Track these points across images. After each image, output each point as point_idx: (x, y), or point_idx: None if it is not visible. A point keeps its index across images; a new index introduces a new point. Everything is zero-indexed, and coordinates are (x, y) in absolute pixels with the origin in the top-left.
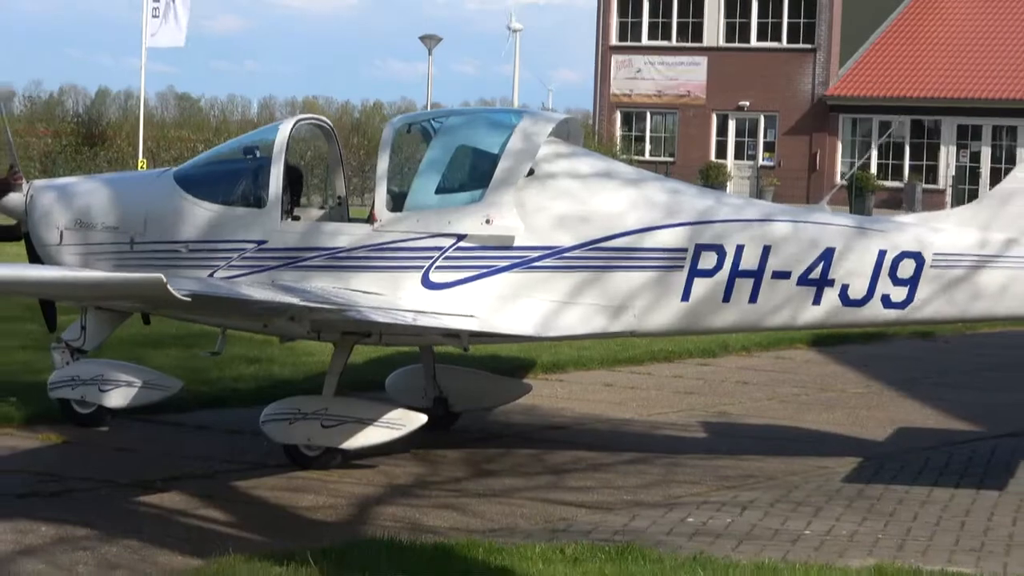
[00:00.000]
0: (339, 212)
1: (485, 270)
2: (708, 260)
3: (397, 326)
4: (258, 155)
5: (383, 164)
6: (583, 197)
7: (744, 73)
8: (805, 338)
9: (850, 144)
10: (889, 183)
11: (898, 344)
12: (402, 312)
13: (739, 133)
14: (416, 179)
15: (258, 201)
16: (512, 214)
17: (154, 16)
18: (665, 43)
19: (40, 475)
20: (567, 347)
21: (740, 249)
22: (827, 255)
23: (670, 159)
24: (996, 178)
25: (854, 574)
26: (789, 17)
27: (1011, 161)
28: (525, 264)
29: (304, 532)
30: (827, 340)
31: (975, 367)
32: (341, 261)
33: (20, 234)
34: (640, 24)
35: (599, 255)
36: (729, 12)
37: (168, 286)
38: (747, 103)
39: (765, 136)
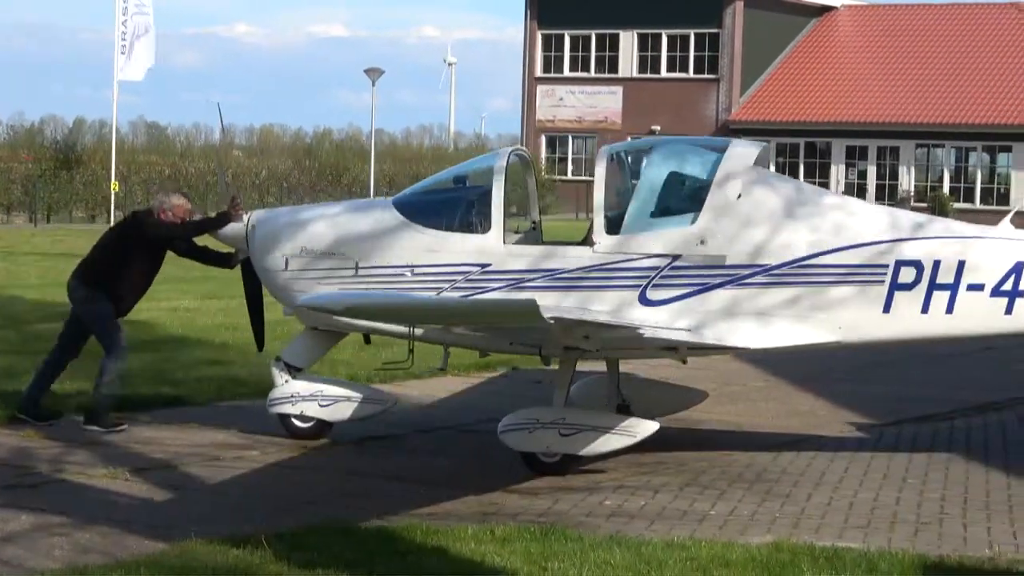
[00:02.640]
0: (534, 236)
1: (699, 287)
2: (907, 274)
3: (651, 340)
4: (476, 183)
5: (599, 190)
6: (788, 218)
7: (656, 101)
8: None
9: None
10: None
11: None
12: (677, 331)
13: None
14: (632, 204)
15: (481, 226)
16: (724, 235)
17: (122, 52)
18: (584, 74)
19: (22, 469)
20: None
21: (937, 264)
22: (1018, 268)
23: (590, 179)
24: (881, 194)
25: (754, 550)
26: (695, 51)
27: (894, 178)
28: (736, 281)
29: (261, 518)
30: None
31: (871, 363)
32: (563, 282)
33: (234, 262)
34: (562, 57)
35: (804, 271)
36: (642, 46)
37: (540, 309)
38: (658, 128)
39: None
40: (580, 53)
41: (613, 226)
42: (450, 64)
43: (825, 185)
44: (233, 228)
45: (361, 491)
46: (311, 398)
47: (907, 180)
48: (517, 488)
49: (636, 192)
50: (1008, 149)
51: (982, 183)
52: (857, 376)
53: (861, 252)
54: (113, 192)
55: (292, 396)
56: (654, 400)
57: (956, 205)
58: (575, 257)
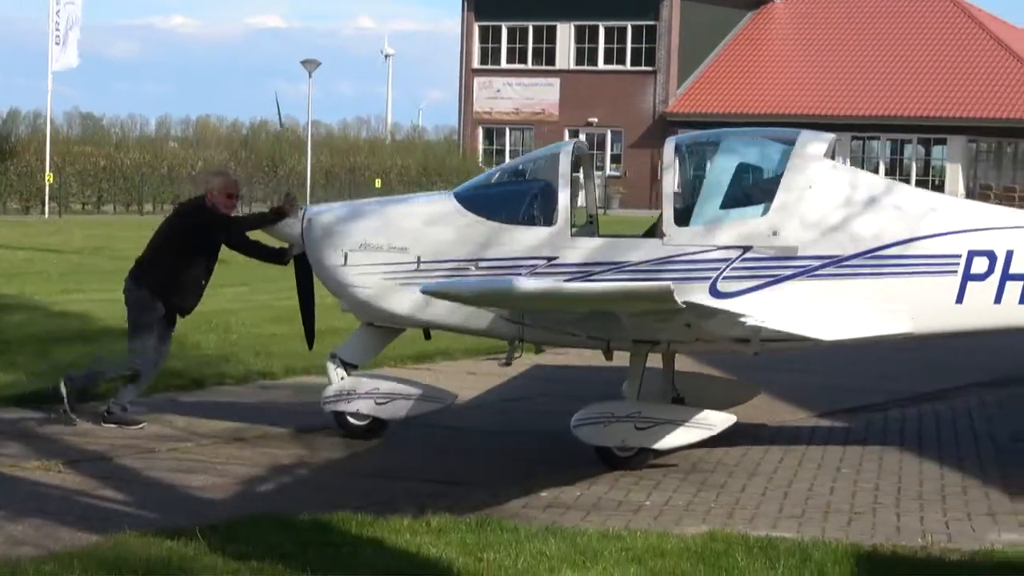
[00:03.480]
0: (590, 230)
1: (771, 279)
2: (980, 265)
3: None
4: (541, 176)
5: (669, 181)
6: (859, 209)
7: (593, 93)
8: None
9: None
10: None
11: None
12: (783, 322)
13: (589, 147)
14: (701, 195)
15: (548, 219)
16: (796, 226)
17: (56, 43)
18: (522, 66)
19: None
20: (434, 338)
21: (1010, 255)
22: None
23: None
24: None
25: (689, 540)
26: (632, 43)
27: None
28: (808, 272)
29: (194, 510)
30: None
31: (811, 354)
32: (631, 274)
33: (287, 258)
34: (499, 49)
35: (876, 262)
36: (579, 38)
37: (674, 294)
38: (595, 119)
39: (612, 149)
40: (517, 45)
41: (682, 218)
42: (387, 56)
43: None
44: (288, 224)
45: (296, 482)
46: (367, 396)
47: None
48: (453, 479)
49: (705, 183)
50: (943, 142)
51: (917, 175)
52: (794, 367)
53: (933, 242)
54: (47, 183)
55: (347, 393)
56: (708, 395)
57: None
58: (645, 249)
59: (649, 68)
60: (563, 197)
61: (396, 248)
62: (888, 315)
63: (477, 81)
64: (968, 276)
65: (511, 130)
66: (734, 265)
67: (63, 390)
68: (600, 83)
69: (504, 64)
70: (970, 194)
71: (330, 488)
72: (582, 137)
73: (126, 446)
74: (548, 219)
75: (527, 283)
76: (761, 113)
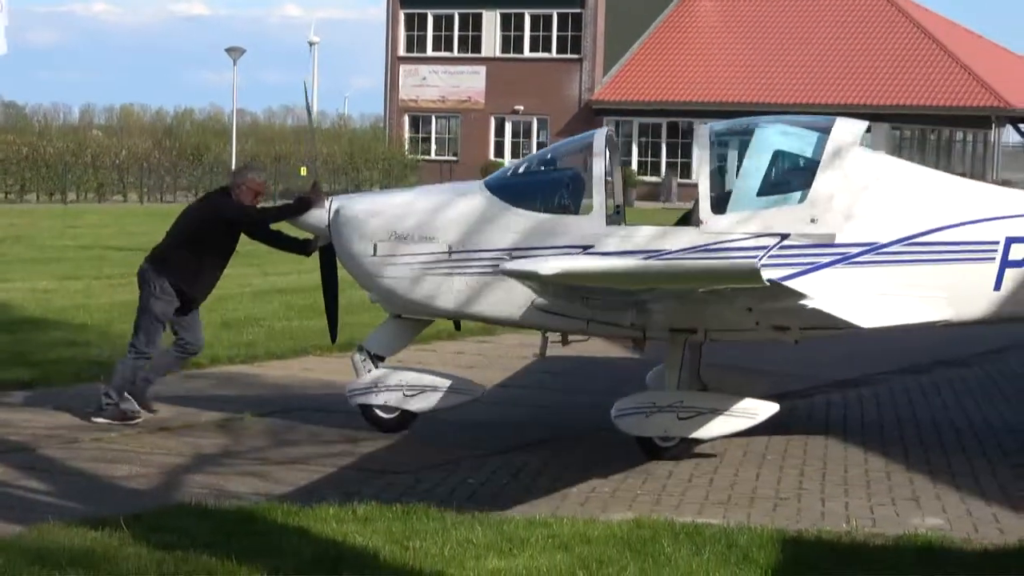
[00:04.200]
0: (617, 219)
1: (809, 267)
2: (1018, 251)
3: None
4: (574, 165)
5: (705, 170)
6: (895, 196)
7: (519, 80)
8: None
9: None
10: (648, 178)
11: None
12: (841, 307)
13: (515, 134)
14: (738, 183)
15: (583, 208)
16: (834, 213)
17: None
18: (448, 54)
19: None
20: (360, 327)
21: None
22: None
23: (454, 158)
24: None
25: (615, 527)
26: (558, 30)
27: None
28: (846, 260)
29: (118, 499)
30: None
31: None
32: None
33: (311, 249)
34: (425, 37)
35: (914, 249)
36: (505, 26)
37: (761, 272)
38: (521, 107)
39: (538, 137)
40: (443, 33)
41: (719, 206)
42: (313, 44)
43: (687, 166)
44: (314, 214)
45: (221, 472)
46: (395, 388)
47: None
48: (379, 467)
49: (742, 171)
50: (867, 129)
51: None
52: (720, 354)
53: (971, 229)
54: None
55: (375, 386)
56: (733, 385)
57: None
58: (682, 237)
59: (575, 56)
60: (599, 186)
61: (427, 238)
62: (926, 302)
63: (403, 69)
64: (1006, 263)
65: (437, 118)
66: (772, 253)
67: (109, 401)
68: (526, 71)
69: (430, 52)
70: None
71: (255, 477)
72: (508, 125)
73: (49, 436)
74: (584, 208)
75: (621, 262)
76: (686, 101)
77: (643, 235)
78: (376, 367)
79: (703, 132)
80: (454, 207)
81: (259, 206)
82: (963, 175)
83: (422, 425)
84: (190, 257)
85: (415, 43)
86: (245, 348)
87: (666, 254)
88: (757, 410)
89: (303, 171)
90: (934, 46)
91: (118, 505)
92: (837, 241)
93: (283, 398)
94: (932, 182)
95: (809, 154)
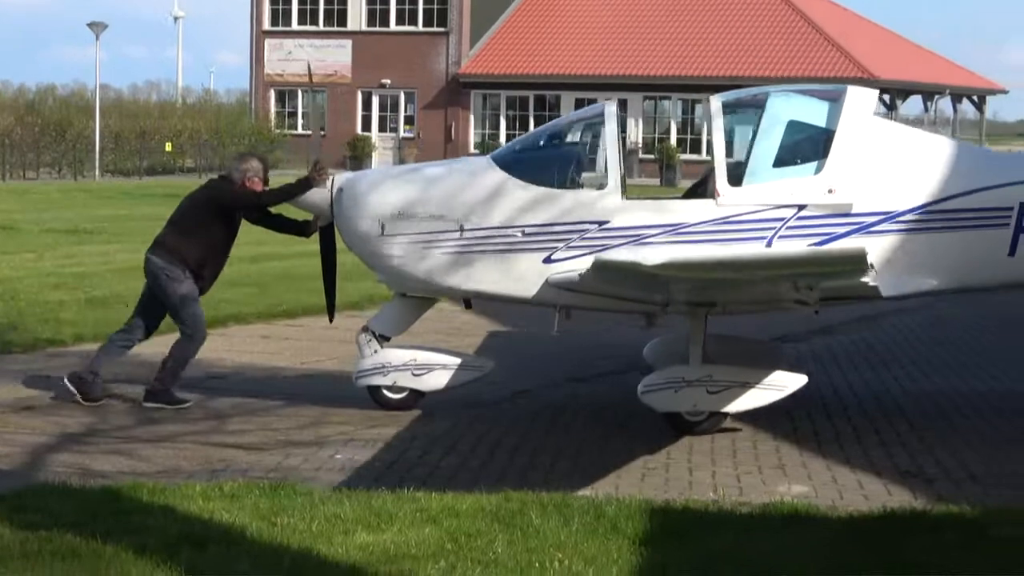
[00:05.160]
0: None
1: (826, 237)
2: None
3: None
4: (587, 137)
5: (719, 141)
6: (910, 164)
7: (385, 54)
8: None
9: (481, 117)
10: None
11: None
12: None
13: (382, 108)
14: (753, 154)
15: (598, 182)
16: (850, 183)
17: None
18: (313, 28)
19: None
20: (226, 304)
21: None
22: None
23: (321, 133)
24: None
25: (484, 500)
26: (424, 4)
27: (623, 130)
28: (863, 229)
29: None
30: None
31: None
32: (685, 236)
33: (311, 230)
34: (290, 10)
35: (929, 217)
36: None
37: (868, 257)
38: (388, 81)
39: (406, 111)
40: (308, 6)
41: (735, 178)
42: (177, 18)
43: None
44: (317, 194)
45: (86, 451)
46: (404, 367)
47: (635, 132)
48: (246, 444)
49: (756, 142)
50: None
51: (708, 134)
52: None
53: (984, 196)
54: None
55: (383, 366)
56: (736, 356)
57: (683, 156)
58: (698, 210)
59: (442, 29)
60: (613, 159)
61: (436, 216)
62: (942, 269)
63: (268, 43)
64: (1020, 229)
65: (303, 92)
66: (789, 224)
67: (160, 387)
68: (393, 44)
69: (295, 26)
70: None
71: (121, 455)
72: (375, 99)
73: None
74: (599, 182)
75: (726, 252)
76: (554, 74)
77: (659, 209)
78: (381, 347)
79: (716, 104)
80: (465, 184)
81: (260, 190)
82: None
83: (288, 403)
84: (191, 244)
85: (280, 17)
86: (111, 326)
87: (684, 228)
88: (786, 382)
89: (169, 147)
90: (799, 19)
91: None
92: (853, 211)
93: (150, 376)
94: (945, 149)
95: (824, 124)
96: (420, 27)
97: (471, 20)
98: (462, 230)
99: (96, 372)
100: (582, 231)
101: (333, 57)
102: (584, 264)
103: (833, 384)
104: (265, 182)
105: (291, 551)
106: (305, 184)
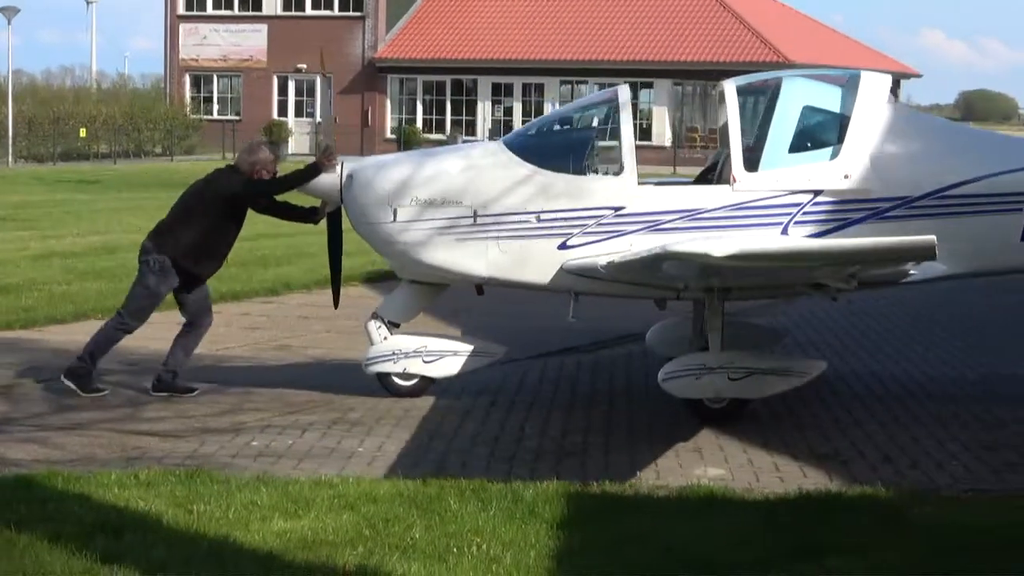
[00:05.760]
0: None
1: (841, 222)
2: None
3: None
4: (601, 122)
5: (735, 126)
6: (924, 150)
7: (301, 38)
8: (359, 276)
9: (398, 102)
10: (433, 136)
11: None
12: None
13: (298, 93)
14: (769, 139)
15: (615, 167)
16: (866, 169)
17: None
18: (228, 12)
19: None
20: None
21: None
22: None
23: (236, 118)
24: None
25: (402, 485)
26: None
27: (539, 114)
28: (877, 215)
29: None
30: (377, 277)
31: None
32: (702, 222)
33: (319, 217)
34: None
35: (942, 202)
36: None
37: (935, 248)
38: (304, 66)
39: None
40: None
41: (751, 163)
42: (90, 3)
43: (472, 123)
44: (324, 179)
45: None
46: (414, 354)
47: None
48: (162, 431)
49: (772, 128)
50: (649, 85)
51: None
52: (505, 311)
53: (997, 182)
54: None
55: (393, 353)
56: (738, 340)
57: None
58: (714, 196)
59: (357, 14)
60: (628, 144)
61: (451, 202)
62: (955, 255)
63: (183, 28)
64: None
65: (219, 77)
66: (805, 210)
67: (81, 365)
68: (309, 28)
69: (210, 10)
70: (676, 137)
71: (35, 444)
72: (291, 84)
73: None
74: (614, 167)
75: (796, 243)
76: (471, 59)
77: (676, 195)
78: (391, 334)
79: (731, 89)
80: (477, 169)
81: (267, 178)
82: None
83: (205, 390)
84: (192, 233)
85: (195, 1)
86: (24, 313)
87: (701, 213)
88: (807, 368)
89: (83, 132)
90: (715, 3)
91: None
92: (869, 197)
93: (64, 364)
94: (958, 135)
95: (839, 109)
96: (336, 11)
97: (387, 5)
98: (476, 216)
99: (174, 371)
100: (598, 217)
101: (248, 42)
102: (600, 250)
103: None
104: (273, 174)
105: (208, 538)
106: (314, 170)
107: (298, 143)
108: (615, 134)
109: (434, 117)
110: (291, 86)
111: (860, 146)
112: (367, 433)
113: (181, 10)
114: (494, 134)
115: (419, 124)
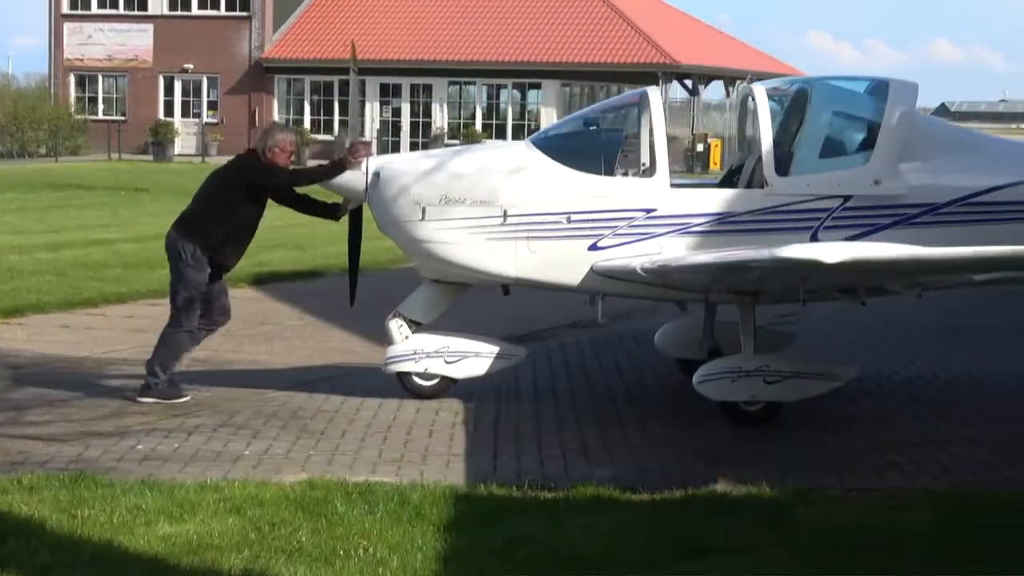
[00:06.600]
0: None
1: (870, 228)
2: None
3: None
4: (632, 123)
5: (767, 131)
6: (951, 157)
7: (188, 38)
8: (246, 277)
9: (285, 102)
10: (321, 136)
11: (328, 280)
12: None
13: (185, 93)
14: (801, 144)
15: (647, 169)
16: (896, 175)
17: None
18: (114, 11)
19: None
20: (26, 291)
21: None
22: None
23: (122, 118)
24: (415, 131)
25: (288, 488)
26: None
27: (428, 115)
28: (906, 221)
29: None
30: (266, 279)
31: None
32: (732, 225)
33: (340, 214)
34: None
35: (968, 209)
36: None
37: None
38: (191, 66)
39: (209, 96)
40: None
41: (783, 167)
42: None
43: (361, 124)
44: (349, 176)
45: None
46: (436, 354)
47: (440, 117)
48: (45, 435)
49: (803, 132)
50: (537, 86)
51: (513, 119)
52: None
53: (1022, 189)
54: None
55: (414, 353)
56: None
57: (488, 142)
58: (746, 200)
59: (244, 13)
60: (660, 145)
61: (479, 202)
62: None
63: (67, 27)
64: None
65: (104, 77)
66: (835, 215)
67: (155, 380)
68: (195, 28)
69: (95, 9)
70: None
71: None
72: (177, 84)
73: None
74: (647, 169)
75: (906, 250)
76: (359, 59)
77: (707, 198)
78: (413, 333)
79: (760, 93)
80: (507, 169)
81: (291, 168)
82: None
83: (89, 393)
84: (217, 222)
85: (80, 0)
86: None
87: (732, 217)
88: (840, 372)
89: None
90: (603, 4)
91: None
92: (899, 203)
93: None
94: (985, 143)
95: (869, 115)
96: (223, 11)
97: (274, 5)
98: (505, 216)
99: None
100: (629, 218)
101: (134, 42)
102: (631, 252)
103: (636, 367)
104: (290, 155)
105: (92, 543)
106: (339, 166)
107: (184, 143)
108: (645, 136)
109: (322, 118)
110: (177, 86)
111: (890, 152)
112: (253, 436)
113: (65, 9)
114: (382, 135)
115: (307, 124)
